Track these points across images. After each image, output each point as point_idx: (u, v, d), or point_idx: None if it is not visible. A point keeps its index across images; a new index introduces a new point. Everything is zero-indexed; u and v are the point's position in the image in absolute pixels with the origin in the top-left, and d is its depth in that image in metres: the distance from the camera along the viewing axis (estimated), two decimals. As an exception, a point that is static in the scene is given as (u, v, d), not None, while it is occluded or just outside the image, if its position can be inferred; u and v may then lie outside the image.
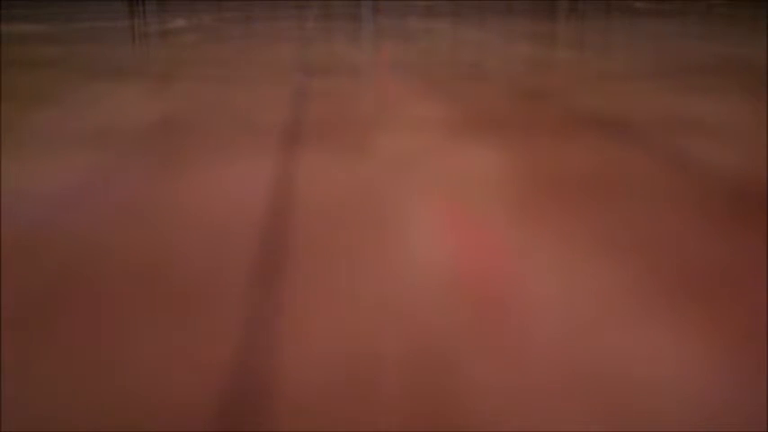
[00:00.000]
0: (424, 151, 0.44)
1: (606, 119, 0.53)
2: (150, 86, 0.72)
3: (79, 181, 0.38)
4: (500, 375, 0.19)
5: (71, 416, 0.17)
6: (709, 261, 0.26)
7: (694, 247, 0.28)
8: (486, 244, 0.28)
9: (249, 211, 0.32)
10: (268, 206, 0.33)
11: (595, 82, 0.72)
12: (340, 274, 0.25)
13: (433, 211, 0.33)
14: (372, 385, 0.18)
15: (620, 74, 0.78)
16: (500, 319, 0.22)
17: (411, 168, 0.40)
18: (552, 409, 0.17)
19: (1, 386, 0.18)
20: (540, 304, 0.23)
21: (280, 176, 0.38)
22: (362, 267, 0.26)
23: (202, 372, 0.19)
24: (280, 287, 0.24)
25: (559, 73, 0.79)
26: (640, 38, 1.24)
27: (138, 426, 0.17)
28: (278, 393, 0.18)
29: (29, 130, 0.51)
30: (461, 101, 0.62)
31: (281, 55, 1.01)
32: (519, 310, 0.22)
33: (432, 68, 0.84)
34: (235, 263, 0.26)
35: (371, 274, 0.26)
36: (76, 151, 0.45)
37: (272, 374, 0.19)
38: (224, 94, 0.66)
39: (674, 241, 0.28)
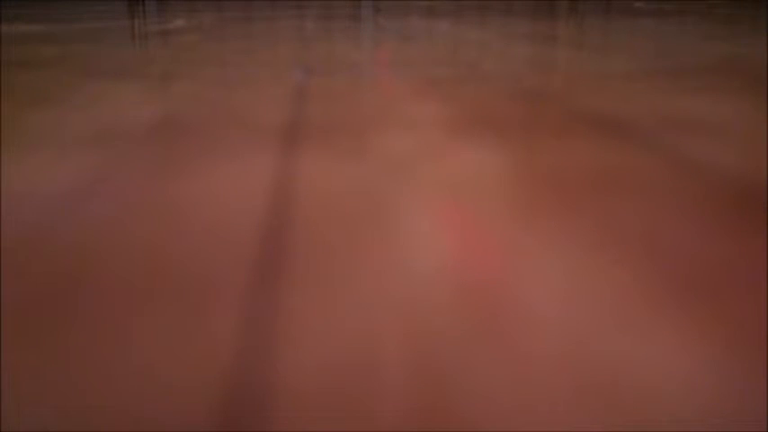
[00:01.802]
0: (424, 152, 0.44)
1: (607, 119, 0.53)
2: (150, 87, 0.72)
3: (79, 181, 0.38)
4: (503, 377, 0.19)
5: (70, 416, 0.17)
6: (710, 259, 0.26)
7: (696, 245, 0.28)
8: (488, 245, 0.28)
9: (248, 212, 0.32)
10: (268, 207, 0.33)
11: (596, 82, 0.72)
12: (339, 277, 0.25)
13: (434, 212, 0.32)
14: (371, 388, 0.18)
15: (621, 73, 0.78)
16: (504, 319, 0.22)
17: (411, 169, 0.40)
18: (559, 414, 0.17)
19: (1, 386, 0.18)
20: (543, 304, 0.23)
21: (280, 177, 0.38)
22: (363, 269, 0.26)
23: (202, 371, 0.19)
24: (279, 288, 0.24)
25: (560, 73, 0.79)
26: (640, 38, 1.24)
27: (138, 426, 0.17)
28: (277, 394, 0.18)
29: (28, 131, 0.51)
30: (462, 101, 0.62)
31: (281, 55, 1.00)
32: (522, 310, 0.22)
33: (432, 68, 0.84)
34: (234, 263, 0.26)
35: (372, 276, 0.25)
36: (76, 151, 0.45)
37: (271, 375, 0.19)
38: (224, 95, 0.66)
39: (677, 240, 0.28)
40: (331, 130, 0.50)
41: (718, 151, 0.43)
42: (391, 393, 0.18)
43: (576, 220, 0.31)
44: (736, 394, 0.18)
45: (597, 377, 0.19)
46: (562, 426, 0.16)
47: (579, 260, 0.27)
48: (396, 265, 0.26)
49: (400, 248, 0.28)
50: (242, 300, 0.23)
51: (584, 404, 0.17)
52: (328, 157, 0.42)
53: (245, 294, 0.24)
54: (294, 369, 0.19)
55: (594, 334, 0.21)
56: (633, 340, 0.20)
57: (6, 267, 0.26)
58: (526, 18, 1.86)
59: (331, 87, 0.70)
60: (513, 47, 1.09)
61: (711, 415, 0.17)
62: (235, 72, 0.82)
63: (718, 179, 0.37)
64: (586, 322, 0.22)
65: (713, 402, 0.17)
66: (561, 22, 1.71)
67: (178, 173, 0.39)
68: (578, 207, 0.33)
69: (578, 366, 0.19)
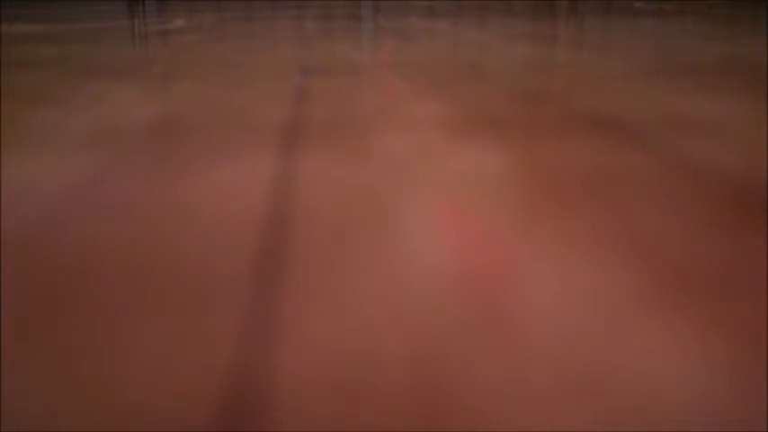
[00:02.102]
0: (425, 152, 0.44)
1: (606, 119, 0.53)
2: (150, 87, 0.72)
3: (79, 181, 0.38)
4: (502, 380, 0.19)
5: (71, 415, 0.17)
6: (709, 260, 0.26)
7: (694, 245, 0.28)
8: (488, 246, 0.28)
9: (249, 213, 0.32)
10: (268, 208, 0.33)
11: (595, 82, 0.72)
12: (340, 277, 0.25)
13: (435, 213, 0.33)
14: (372, 387, 0.18)
15: (621, 74, 0.78)
16: (504, 320, 0.22)
17: (411, 169, 0.40)
18: (554, 413, 0.17)
19: (1, 386, 0.18)
20: (541, 305, 0.23)
21: (280, 177, 0.38)
22: (364, 270, 0.26)
23: (202, 372, 0.19)
24: (281, 289, 0.24)
25: (559, 73, 0.79)
26: (640, 38, 1.24)
27: (138, 426, 0.17)
28: (277, 395, 0.18)
29: (28, 130, 0.51)
30: (462, 102, 0.62)
31: (281, 55, 1.00)
32: (522, 311, 0.22)
33: (432, 68, 0.84)
34: (235, 264, 0.26)
35: (373, 276, 0.25)
36: (77, 152, 0.45)
37: (271, 376, 0.19)
38: (224, 95, 0.66)
39: (675, 240, 0.28)
40: (332, 131, 0.50)
41: (718, 151, 0.43)
42: (392, 394, 0.18)
43: (575, 221, 0.31)
44: (736, 393, 0.18)
45: (595, 378, 0.19)
46: (562, 425, 0.17)
47: (579, 260, 0.27)
48: (396, 265, 0.26)
49: (401, 249, 0.28)
50: (243, 300, 0.23)
51: (585, 405, 0.17)
52: (329, 158, 0.42)
53: (246, 295, 0.24)
54: (295, 368, 0.19)
55: (594, 335, 0.21)
56: (632, 340, 0.20)
57: (8, 266, 0.26)
58: (526, 18, 1.86)
59: (331, 88, 0.70)
60: (512, 47, 1.09)
61: (712, 414, 0.17)
62: (235, 72, 0.82)
63: (719, 178, 0.37)
64: (587, 324, 0.22)
65: (714, 401, 0.17)
66: (561, 22, 1.71)
67: (179, 173, 0.39)
68: (578, 207, 0.33)
69: (579, 367, 0.19)
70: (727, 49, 1.03)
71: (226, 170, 0.40)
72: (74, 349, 0.20)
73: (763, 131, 0.49)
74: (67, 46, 1.16)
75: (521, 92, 0.66)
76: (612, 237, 0.29)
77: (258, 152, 0.44)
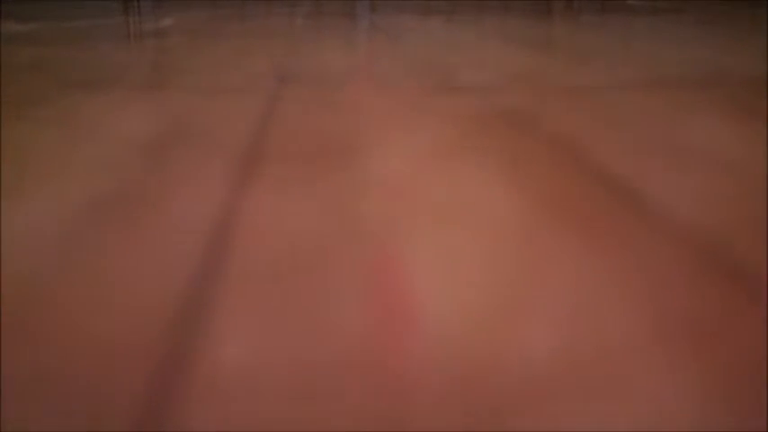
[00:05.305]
0: (411, 174, 0.43)
1: (579, 148, 0.53)
2: (125, 99, 0.71)
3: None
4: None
5: None
6: (704, 307, 0.26)
7: (696, 293, 0.28)
8: (485, 274, 0.28)
9: (193, 250, 0.32)
10: (215, 243, 0.33)
11: (586, 93, 0.71)
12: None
13: (424, 243, 0.32)
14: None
15: (617, 83, 0.77)
16: (505, 356, 0.22)
17: (397, 193, 0.40)
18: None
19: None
20: (540, 343, 0.23)
21: (229, 211, 0.38)
22: (359, 296, 0.26)
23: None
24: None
25: (546, 86, 0.78)
26: (638, 40, 1.24)
27: None
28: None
29: None
30: (453, 119, 0.62)
31: (262, 59, 1.00)
32: (521, 344, 0.22)
33: (426, 75, 0.84)
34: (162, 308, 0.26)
35: (365, 308, 0.25)
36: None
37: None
38: (192, 107, 0.65)
39: (676, 285, 0.28)
40: (297, 155, 0.48)
41: (717, 181, 0.43)
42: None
43: (568, 241, 0.31)
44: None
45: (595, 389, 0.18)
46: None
47: (582, 290, 0.26)
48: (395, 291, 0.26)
49: (396, 273, 0.28)
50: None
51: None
52: (303, 179, 0.42)
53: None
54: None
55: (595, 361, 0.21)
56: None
57: None
58: (523, 18, 1.86)
59: (305, 100, 0.68)
60: (510, 48, 1.09)
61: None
62: (216, 78, 0.81)
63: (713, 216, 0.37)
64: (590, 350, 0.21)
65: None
66: (556, 21, 1.70)
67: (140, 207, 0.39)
68: (572, 231, 0.33)
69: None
70: (723, 52, 1.03)
71: (179, 202, 0.39)
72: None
73: (762, 156, 0.48)
74: (55, 48, 1.15)
75: (499, 111, 0.66)
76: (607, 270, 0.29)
77: (211, 179, 0.40)
